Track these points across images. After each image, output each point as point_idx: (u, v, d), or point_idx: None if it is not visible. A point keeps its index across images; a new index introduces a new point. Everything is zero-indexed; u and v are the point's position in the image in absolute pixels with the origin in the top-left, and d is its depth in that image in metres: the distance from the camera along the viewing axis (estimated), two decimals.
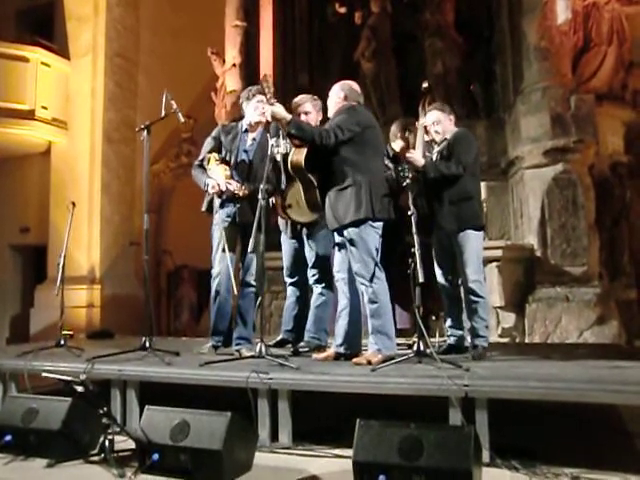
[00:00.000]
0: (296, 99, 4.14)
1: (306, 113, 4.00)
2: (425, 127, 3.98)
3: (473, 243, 3.75)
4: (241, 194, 3.94)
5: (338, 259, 3.76)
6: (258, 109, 4.01)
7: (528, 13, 7.25)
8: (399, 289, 3.96)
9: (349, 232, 3.53)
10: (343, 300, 3.74)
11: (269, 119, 3.65)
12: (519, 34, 7.39)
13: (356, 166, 3.53)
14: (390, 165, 4.28)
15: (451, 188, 3.76)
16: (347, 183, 3.53)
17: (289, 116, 3.52)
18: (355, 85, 3.86)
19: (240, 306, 4.11)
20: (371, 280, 3.48)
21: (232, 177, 4.03)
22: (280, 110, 3.53)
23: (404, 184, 3.60)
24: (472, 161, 3.84)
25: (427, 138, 4.01)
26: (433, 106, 4.06)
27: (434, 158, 3.95)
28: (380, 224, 3.58)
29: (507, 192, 7.57)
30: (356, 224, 3.50)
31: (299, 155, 3.67)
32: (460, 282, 3.85)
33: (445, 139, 3.92)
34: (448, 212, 3.77)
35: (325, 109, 3.96)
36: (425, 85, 4.21)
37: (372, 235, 3.52)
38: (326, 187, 3.64)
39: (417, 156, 3.78)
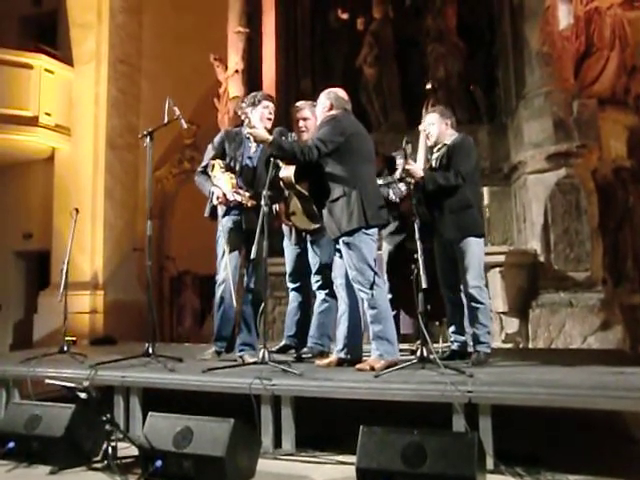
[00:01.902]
0: (296, 104, 4.15)
1: (304, 119, 4.01)
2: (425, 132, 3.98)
3: (474, 249, 3.73)
4: (249, 205, 3.91)
5: (337, 265, 3.76)
6: (264, 116, 4.03)
7: (530, 18, 7.27)
8: (402, 295, 3.96)
9: (344, 240, 3.53)
10: (342, 305, 3.74)
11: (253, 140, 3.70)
12: (521, 39, 7.41)
13: (344, 176, 3.52)
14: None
15: (451, 197, 3.74)
16: (337, 195, 3.53)
17: (270, 137, 3.53)
18: (342, 92, 3.81)
19: (244, 312, 4.09)
20: (370, 287, 3.47)
21: (238, 185, 4.00)
22: (261, 133, 3.57)
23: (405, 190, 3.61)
24: (471, 169, 3.82)
25: (429, 143, 4.01)
26: (433, 108, 4.05)
27: (433, 164, 3.94)
28: (374, 230, 3.58)
29: (510, 197, 7.57)
30: (350, 233, 3.50)
31: (289, 171, 3.67)
32: (461, 288, 3.83)
33: (445, 145, 3.91)
34: (448, 221, 3.75)
35: None
36: (429, 86, 4.21)
37: (366, 242, 3.52)
38: (320, 199, 3.65)
39: (416, 167, 3.76)
